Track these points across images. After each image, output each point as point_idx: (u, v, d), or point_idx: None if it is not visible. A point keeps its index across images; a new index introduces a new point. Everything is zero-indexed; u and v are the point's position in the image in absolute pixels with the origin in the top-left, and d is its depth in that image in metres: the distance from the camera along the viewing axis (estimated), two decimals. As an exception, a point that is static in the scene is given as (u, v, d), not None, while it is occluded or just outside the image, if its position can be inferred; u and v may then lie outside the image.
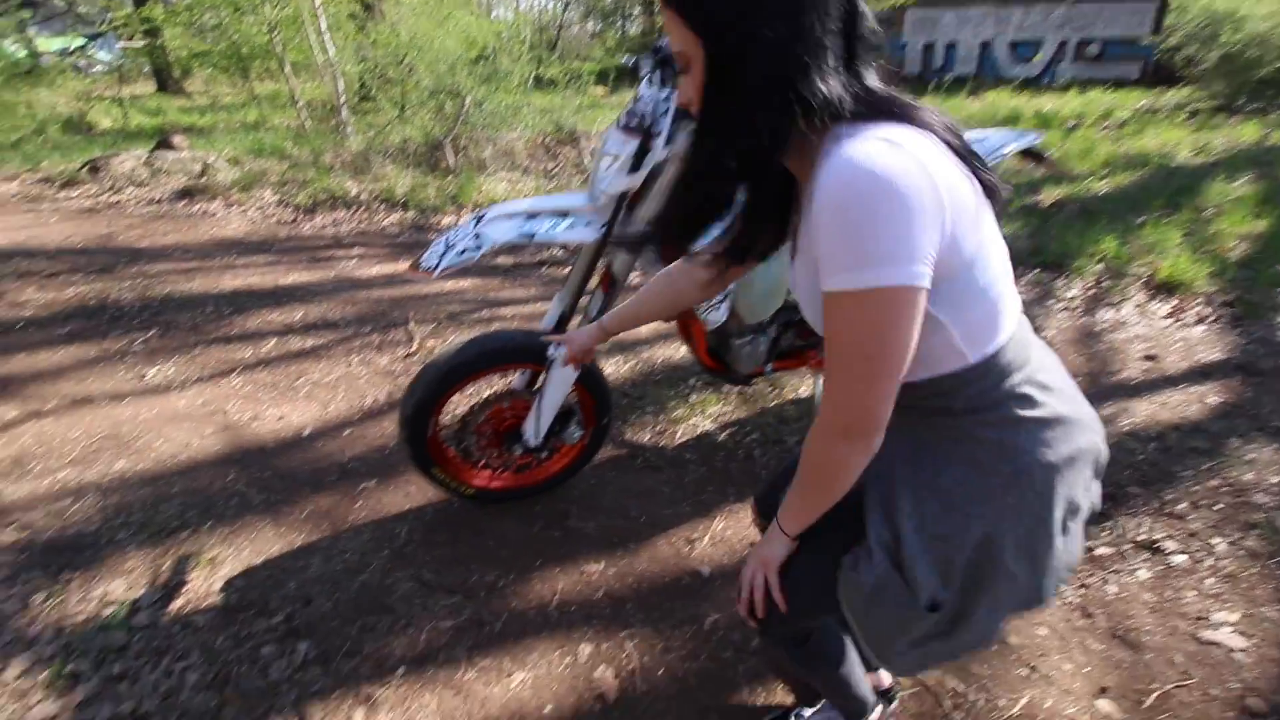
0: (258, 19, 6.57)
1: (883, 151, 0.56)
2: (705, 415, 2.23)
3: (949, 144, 0.61)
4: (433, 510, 1.82)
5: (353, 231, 4.42)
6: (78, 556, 1.68)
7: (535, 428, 1.59)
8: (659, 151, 1.30)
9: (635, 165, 1.31)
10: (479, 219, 1.38)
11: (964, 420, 0.70)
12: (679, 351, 2.61)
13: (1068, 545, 0.74)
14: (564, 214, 1.39)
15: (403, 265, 3.74)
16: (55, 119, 8.69)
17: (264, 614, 1.49)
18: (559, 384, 1.53)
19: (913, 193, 0.56)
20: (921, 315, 0.60)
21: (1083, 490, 0.74)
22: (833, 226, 0.57)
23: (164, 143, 6.52)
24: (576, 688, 1.32)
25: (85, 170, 6.01)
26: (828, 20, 0.58)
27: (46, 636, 1.44)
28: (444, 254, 1.36)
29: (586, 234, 1.40)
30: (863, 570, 0.74)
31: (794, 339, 1.85)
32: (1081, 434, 0.72)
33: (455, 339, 2.51)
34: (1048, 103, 7.64)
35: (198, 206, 5.09)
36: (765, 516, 0.97)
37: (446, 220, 4.53)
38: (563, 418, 1.65)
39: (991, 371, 0.68)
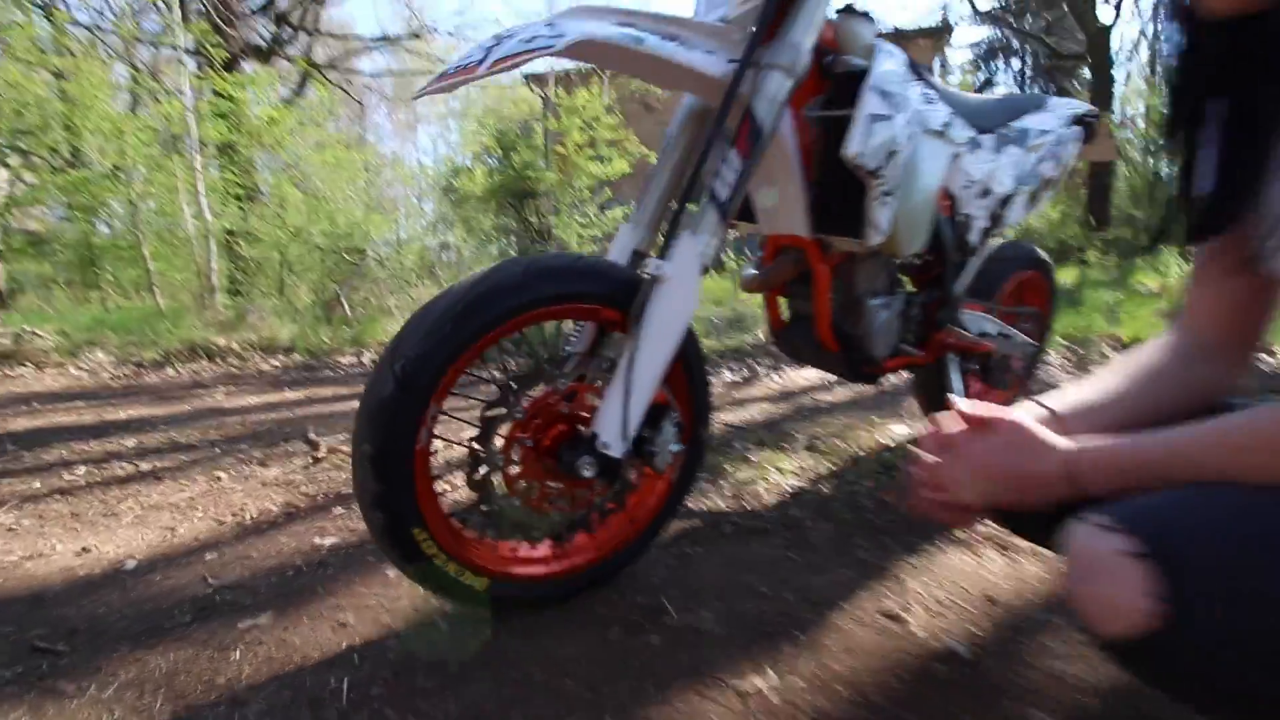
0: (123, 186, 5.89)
1: None
2: (782, 472, 1.57)
3: None
4: (391, 641, 0.95)
5: (219, 376, 3.49)
6: None
7: (620, 423, 0.88)
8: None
9: None
10: (550, 21, 0.82)
11: None
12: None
13: None
14: (672, 36, 0.89)
15: (290, 394, 2.88)
16: None
17: None
18: (660, 345, 0.88)
19: None
20: None
21: None
22: None
23: (-38, 322, 5.28)
24: None
25: None
26: None
27: None
28: (494, 47, 0.77)
29: (709, 63, 0.89)
30: None
31: (926, 312, 1.36)
32: None
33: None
34: None
35: (-6, 373, 3.89)
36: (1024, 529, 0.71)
37: (346, 359, 3.76)
38: (651, 417, 0.95)
39: None
